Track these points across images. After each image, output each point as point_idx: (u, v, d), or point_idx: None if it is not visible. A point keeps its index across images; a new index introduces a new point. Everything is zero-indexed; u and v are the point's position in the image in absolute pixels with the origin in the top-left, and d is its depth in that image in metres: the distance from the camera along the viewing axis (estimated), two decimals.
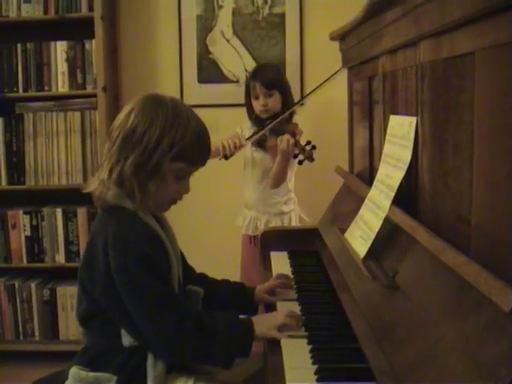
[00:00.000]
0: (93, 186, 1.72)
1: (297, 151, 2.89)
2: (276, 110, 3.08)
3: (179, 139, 1.65)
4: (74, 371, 1.71)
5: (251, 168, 3.20)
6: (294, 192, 3.25)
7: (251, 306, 1.98)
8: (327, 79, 2.90)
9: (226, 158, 2.98)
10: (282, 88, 3.12)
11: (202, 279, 1.99)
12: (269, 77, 3.10)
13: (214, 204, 3.67)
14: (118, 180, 1.65)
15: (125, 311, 1.62)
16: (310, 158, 2.86)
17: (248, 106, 3.19)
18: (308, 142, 2.87)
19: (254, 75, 3.14)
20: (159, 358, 1.65)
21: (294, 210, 3.21)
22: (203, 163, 1.77)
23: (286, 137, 2.89)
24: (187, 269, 1.93)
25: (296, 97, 3.31)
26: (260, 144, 3.11)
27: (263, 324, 1.70)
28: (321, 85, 2.97)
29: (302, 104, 3.33)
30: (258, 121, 3.12)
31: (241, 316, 1.78)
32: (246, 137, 3.10)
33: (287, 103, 3.12)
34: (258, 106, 3.10)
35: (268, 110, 3.08)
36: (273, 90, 3.07)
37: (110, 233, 1.64)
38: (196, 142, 1.70)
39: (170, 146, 1.65)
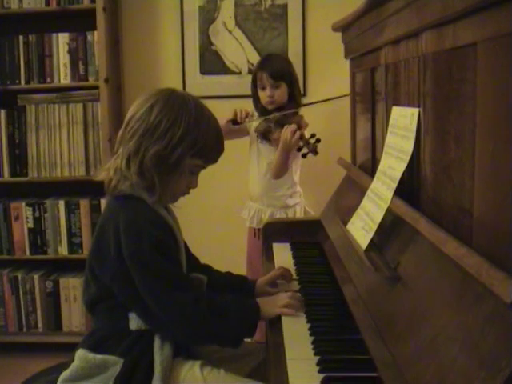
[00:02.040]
0: (104, 174, 1.75)
1: (301, 144, 2.85)
2: (282, 101, 3.04)
3: (202, 138, 1.71)
4: (81, 354, 1.73)
5: (256, 160, 3.17)
6: (300, 184, 3.23)
7: (252, 298, 1.99)
8: (339, 97, 2.93)
9: (234, 122, 3.00)
10: (290, 80, 3.07)
11: (206, 270, 2.02)
12: (277, 68, 3.04)
13: (220, 196, 3.67)
14: (138, 171, 1.68)
15: (137, 296, 1.65)
16: (314, 151, 2.82)
17: (254, 96, 3.15)
18: (313, 135, 2.83)
19: (262, 65, 3.08)
20: (170, 341, 1.69)
21: (299, 203, 3.18)
22: (216, 161, 1.83)
23: (291, 127, 2.86)
24: (191, 258, 1.96)
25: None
26: (265, 136, 3.08)
27: (268, 304, 1.78)
28: (330, 99, 3.01)
29: (305, 93, 3.33)
30: (263, 112, 3.09)
31: None
32: (252, 126, 3.12)
33: (294, 95, 3.08)
34: (264, 96, 3.06)
35: (274, 102, 3.04)
36: (280, 81, 3.02)
37: (122, 220, 1.67)
38: (215, 140, 1.78)
39: (193, 144, 1.70)
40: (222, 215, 3.71)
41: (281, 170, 3.02)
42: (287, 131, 2.85)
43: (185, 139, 1.68)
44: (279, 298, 1.83)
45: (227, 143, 1.85)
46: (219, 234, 3.70)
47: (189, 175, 1.76)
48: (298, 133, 2.84)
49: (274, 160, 3.03)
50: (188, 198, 1.84)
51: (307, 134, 2.86)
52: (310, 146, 2.83)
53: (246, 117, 3.02)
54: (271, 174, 3.07)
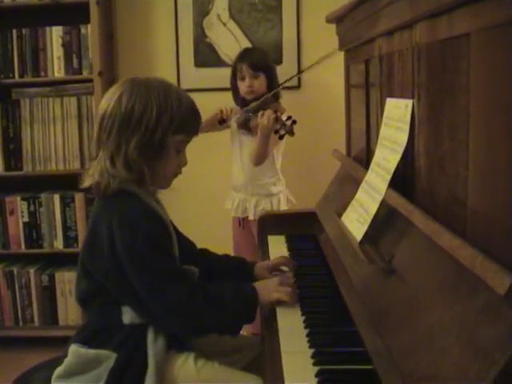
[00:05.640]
0: (90, 179, 1.72)
1: (278, 126, 2.92)
2: (261, 92, 3.13)
3: (176, 112, 1.70)
4: (74, 349, 1.72)
5: (239, 150, 3.24)
6: (287, 174, 3.28)
7: (250, 280, 1.99)
8: (315, 63, 2.96)
9: (221, 122, 3.08)
10: (268, 71, 3.17)
11: (203, 255, 2.03)
12: (256, 59, 3.15)
13: (203, 187, 3.68)
14: (125, 165, 1.67)
15: (132, 291, 1.64)
16: (291, 132, 2.90)
17: (234, 87, 3.24)
18: (289, 117, 2.91)
19: (241, 57, 3.19)
20: (163, 334, 1.69)
21: (283, 191, 3.25)
22: (197, 132, 1.82)
23: (268, 112, 2.94)
24: (186, 246, 1.95)
25: (292, 79, 3.29)
26: (245, 125, 3.15)
27: (265, 289, 1.76)
28: (309, 67, 3.07)
29: (299, 85, 3.33)
30: (243, 103, 3.17)
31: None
32: (232, 118, 3.17)
33: (272, 86, 3.16)
34: (243, 87, 3.15)
35: (253, 92, 3.13)
36: (259, 71, 3.13)
37: (115, 215, 1.66)
38: (190, 112, 1.76)
39: (170, 120, 1.69)
40: (206, 207, 3.73)
41: (261, 155, 3.08)
42: (264, 116, 2.94)
43: (161, 119, 1.67)
44: (275, 281, 1.83)
45: (209, 136, 1.85)
46: (204, 225, 3.70)
47: (176, 154, 1.75)
48: (273, 115, 2.92)
49: (254, 146, 3.08)
50: (170, 190, 1.83)
51: (284, 117, 2.94)
52: (286, 127, 2.90)
53: (232, 112, 3.11)
54: (252, 160, 3.12)
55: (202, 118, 1.84)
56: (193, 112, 1.78)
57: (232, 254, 3.31)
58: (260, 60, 3.16)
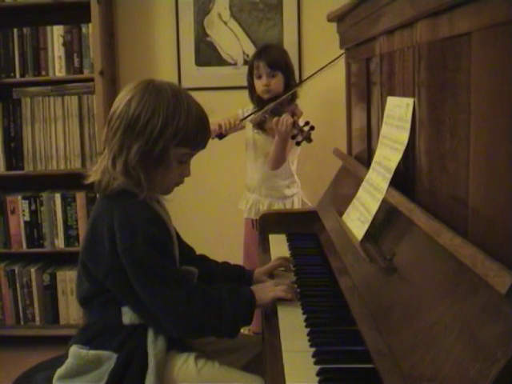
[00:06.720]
0: (94, 176, 1.73)
1: (295, 132, 2.83)
2: (278, 91, 3.03)
3: (182, 125, 1.68)
4: (74, 350, 1.73)
5: (253, 151, 3.16)
6: (297, 176, 3.22)
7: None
8: (330, 62, 2.88)
9: (220, 137, 2.96)
10: (286, 70, 3.07)
11: (202, 261, 2.02)
12: (274, 57, 3.05)
13: (217, 187, 3.67)
14: (124, 170, 1.67)
15: (131, 291, 1.65)
16: (308, 139, 2.81)
17: (250, 85, 3.14)
18: (307, 123, 2.82)
19: (259, 54, 3.08)
20: (163, 334, 1.69)
21: (297, 194, 3.18)
22: (204, 146, 1.80)
23: (285, 117, 2.84)
24: (184, 249, 1.96)
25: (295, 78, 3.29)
26: (261, 126, 3.07)
27: (262, 290, 1.77)
28: (323, 68, 2.95)
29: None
30: (259, 102, 3.08)
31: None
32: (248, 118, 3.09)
33: (290, 86, 3.07)
34: (260, 85, 3.05)
35: (270, 91, 3.03)
36: (276, 70, 3.03)
37: (117, 215, 1.66)
38: (198, 126, 1.73)
39: (175, 133, 1.67)
40: (219, 206, 3.71)
41: (278, 160, 3.01)
42: (281, 121, 2.84)
43: (165, 130, 1.66)
44: (273, 282, 1.85)
45: None
46: (216, 225, 3.69)
47: (178, 165, 1.73)
48: (290, 120, 2.83)
49: (271, 151, 3.01)
50: (185, 189, 1.83)
51: (301, 122, 2.85)
52: (303, 134, 2.81)
53: (231, 126, 3.01)
54: (268, 164, 3.05)
55: (210, 132, 1.82)
56: (201, 127, 1.75)
57: (242, 254, 3.29)
58: (278, 58, 3.05)
